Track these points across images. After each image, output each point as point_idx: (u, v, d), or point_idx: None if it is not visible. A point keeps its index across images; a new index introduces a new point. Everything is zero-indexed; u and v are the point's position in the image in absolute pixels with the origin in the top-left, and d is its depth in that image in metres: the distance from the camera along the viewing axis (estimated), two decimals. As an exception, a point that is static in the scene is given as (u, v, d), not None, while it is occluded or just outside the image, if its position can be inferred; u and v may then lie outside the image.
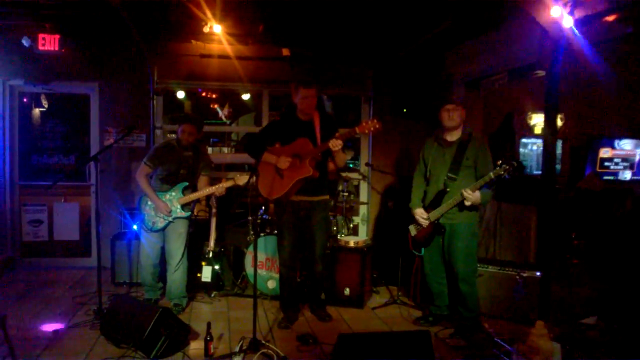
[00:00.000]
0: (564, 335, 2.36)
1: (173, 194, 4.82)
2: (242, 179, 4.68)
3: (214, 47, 6.43)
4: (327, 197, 4.78)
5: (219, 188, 4.82)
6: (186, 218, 4.89)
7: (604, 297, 3.64)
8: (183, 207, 4.84)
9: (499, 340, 2.09)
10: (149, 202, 4.84)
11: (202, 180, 4.99)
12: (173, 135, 6.20)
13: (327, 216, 4.83)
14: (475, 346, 2.25)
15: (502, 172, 3.90)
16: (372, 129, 4.18)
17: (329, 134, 4.33)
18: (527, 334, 2.66)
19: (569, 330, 2.01)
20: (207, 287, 5.41)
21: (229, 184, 4.81)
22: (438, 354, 2.81)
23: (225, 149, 11.23)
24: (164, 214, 4.78)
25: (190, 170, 4.88)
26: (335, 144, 4.22)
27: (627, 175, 6.29)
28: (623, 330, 1.72)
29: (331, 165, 4.68)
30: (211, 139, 11.52)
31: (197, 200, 6.26)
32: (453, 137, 4.38)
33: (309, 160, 4.35)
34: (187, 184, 4.86)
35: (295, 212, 4.60)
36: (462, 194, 4.11)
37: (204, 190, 4.88)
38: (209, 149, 10.96)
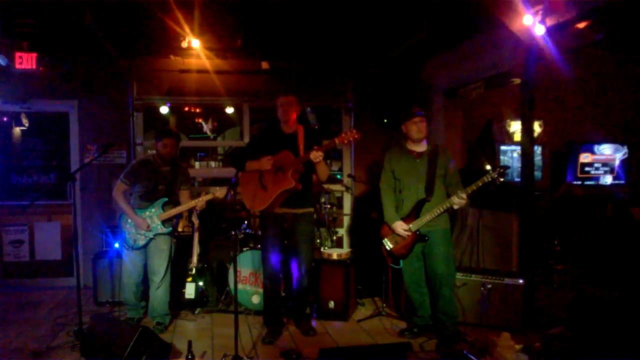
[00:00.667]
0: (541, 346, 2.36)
1: (153, 210, 4.79)
2: (221, 192, 4.69)
3: (193, 62, 6.43)
4: (312, 209, 4.78)
5: (199, 202, 4.81)
6: (168, 234, 4.86)
7: (573, 304, 3.66)
8: (164, 223, 4.80)
9: (467, 354, 2.08)
10: (129, 220, 4.80)
11: (184, 195, 4.96)
12: (151, 151, 6.21)
13: (311, 229, 4.82)
14: (448, 358, 2.24)
15: (496, 176, 4.00)
16: (351, 139, 4.23)
17: (312, 146, 4.33)
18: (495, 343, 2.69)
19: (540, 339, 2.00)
20: (190, 304, 5.35)
21: (209, 197, 4.81)
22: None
23: (212, 163, 11.20)
24: (143, 230, 4.74)
25: (169, 186, 4.85)
26: (316, 156, 4.24)
27: (607, 179, 6.35)
28: (589, 339, 1.72)
29: (314, 178, 4.68)
30: (198, 154, 11.49)
31: (180, 216, 6.23)
32: (420, 148, 4.46)
33: (292, 172, 4.35)
34: (166, 199, 4.82)
35: (279, 225, 4.59)
36: (452, 200, 4.16)
37: (184, 205, 4.86)
38: (197, 164, 10.93)
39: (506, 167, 4.06)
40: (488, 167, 6.00)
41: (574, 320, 3.04)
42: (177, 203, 4.91)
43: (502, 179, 3.98)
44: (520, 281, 4.57)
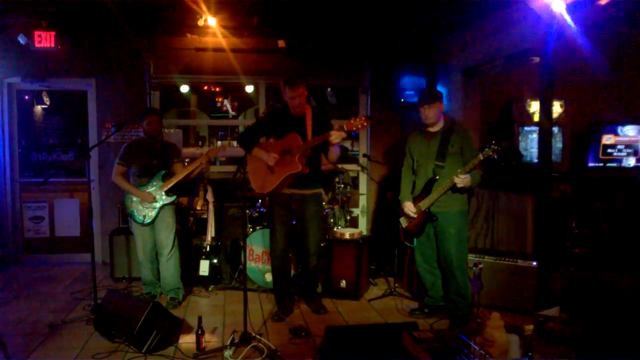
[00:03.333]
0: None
1: (154, 183, 4.84)
2: (214, 150, 4.85)
3: (210, 41, 6.42)
4: (320, 190, 4.77)
5: (198, 165, 4.82)
6: (172, 204, 4.89)
7: (572, 286, 3.60)
8: (167, 193, 4.84)
9: (458, 333, 2.06)
10: (134, 198, 4.85)
11: (177, 167, 4.98)
12: (172, 130, 6.28)
13: (319, 210, 4.80)
14: (441, 339, 2.23)
15: (491, 153, 3.94)
16: (359, 126, 4.08)
17: (320, 129, 4.30)
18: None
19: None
20: (204, 281, 5.42)
21: (204, 159, 4.83)
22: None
23: (234, 143, 11.28)
24: (150, 203, 4.80)
25: (163, 159, 4.91)
26: (337, 136, 4.12)
27: (631, 161, 6.19)
28: (584, 321, 1.69)
29: (324, 160, 4.66)
30: (219, 133, 11.59)
31: (196, 194, 6.28)
32: (435, 128, 4.41)
33: (299, 156, 4.32)
34: (165, 171, 4.88)
35: (286, 205, 4.60)
36: (453, 178, 4.11)
37: (184, 171, 4.87)
38: (218, 143, 11.03)
39: (506, 143, 3.92)
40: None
41: (571, 302, 2.99)
42: (173, 175, 4.95)
43: (497, 156, 3.89)
44: (534, 263, 4.51)
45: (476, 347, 1.92)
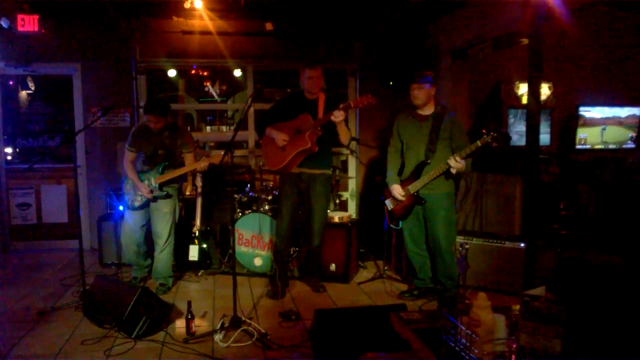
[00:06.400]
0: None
1: (152, 173, 4.79)
2: (217, 157, 4.66)
3: (196, 23, 6.33)
4: (329, 172, 4.88)
5: (198, 165, 4.78)
6: (166, 197, 4.85)
7: (559, 266, 3.64)
8: (161, 186, 4.79)
9: (446, 314, 2.08)
10: (130, 182, 4.82)
11: (187, 158, 4.89)
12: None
13: (327, 191, 4.88)
14: (428, 320, 2.26)
15: (490, 140, 3.96)
16: (365, 103, 4.29)
17: (331, 110, 4.41)
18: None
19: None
20: (194, 266, 5.41)
21: (205, 165, 4.78)
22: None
23: (224, 128, 11.19)
24: (145, 196, 4.76)
25: (168, 150, 4.82)
26: (337, 115, 4.32)
27: (619, 143, 6.22)
28: (570, 300, 1.71)
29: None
30: (207, 117, 11.49)
31: (185, 180, 6.24)
32: (426, 111, 4.41)
33: (309, 134, 4.47)
34: (167, 163, 4.81)
35: (296, 183, 4.74)
36: (448, 162, 4.13)
37: (181, 169, 4.83)
38: (207, 128, 10.93)
39: (501, 132, 3.99)
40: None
41: (557, 282, 3.03)
42: (180, 167, 4.88)
43: (496, 143, 3.92)
44: (522, 245, 4.55)
45: (463, 328, 1.94)
